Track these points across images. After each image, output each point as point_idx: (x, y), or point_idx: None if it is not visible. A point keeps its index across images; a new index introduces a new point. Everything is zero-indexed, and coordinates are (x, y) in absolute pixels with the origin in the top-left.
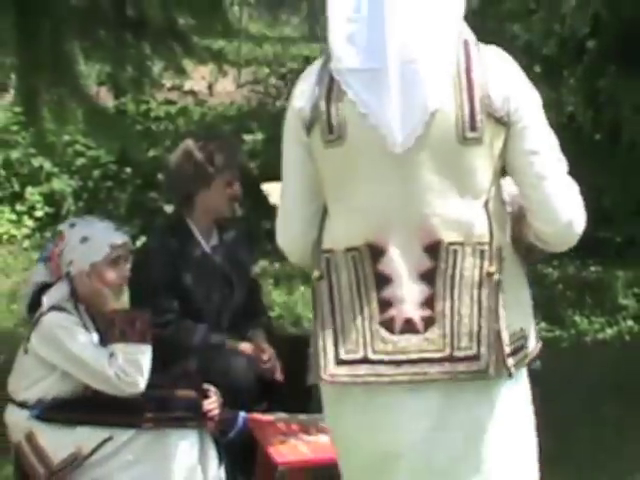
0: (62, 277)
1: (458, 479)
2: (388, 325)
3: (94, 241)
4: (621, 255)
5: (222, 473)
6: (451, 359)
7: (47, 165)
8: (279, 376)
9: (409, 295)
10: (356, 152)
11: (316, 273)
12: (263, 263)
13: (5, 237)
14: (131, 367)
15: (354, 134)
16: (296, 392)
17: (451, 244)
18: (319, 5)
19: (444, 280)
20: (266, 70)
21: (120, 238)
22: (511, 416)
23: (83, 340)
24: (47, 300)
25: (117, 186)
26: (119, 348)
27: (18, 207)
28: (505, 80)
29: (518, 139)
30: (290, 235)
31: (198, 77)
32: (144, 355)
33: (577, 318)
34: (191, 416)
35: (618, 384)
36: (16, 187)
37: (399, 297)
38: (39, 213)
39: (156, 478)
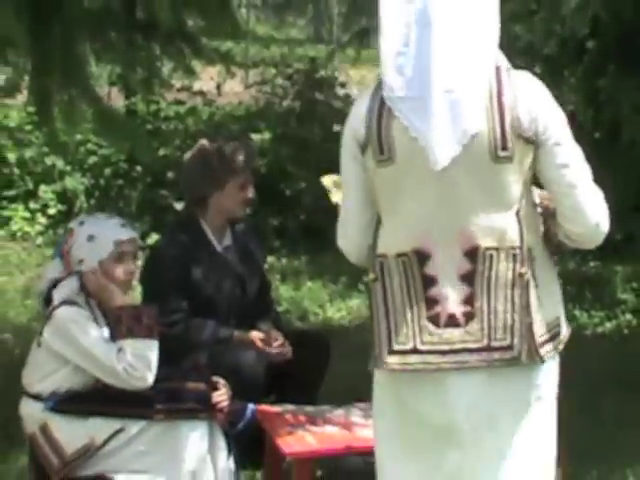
0: (72, 272)
1: (499, 451)
2: (434, 320)
3: (100, 239)
4: (620, 251)
5: (231, 463)
6: (488, 349)
7: (60, 164)
8: (289, 354)
9: (452, 294)
10: (403, 171)
11: (372, 276)
12: (271, 259)
13: (19, 234)
14: (139, 362)
15: (402, 155)
16: (303, 385)
17: (487, 249)
18: (324, 8)
19: (482, 281)
20: (273, 71)
21: (126, 234)
22: (544, 397)
23: (94, 335)
24: (58, 295)
25: (128, 184)
26: (127, 344)
27: (32, 205)
28: (533, 103)
29: (549, 155)
30: (348, 240)
31: (207, 78)
32: (151, 350)
33: (577, 312)
34: (201, 408)
35: (617, 376)
36: (30, 185)
37: (444, 296)
38: (52, 211)
39: (167, 468)
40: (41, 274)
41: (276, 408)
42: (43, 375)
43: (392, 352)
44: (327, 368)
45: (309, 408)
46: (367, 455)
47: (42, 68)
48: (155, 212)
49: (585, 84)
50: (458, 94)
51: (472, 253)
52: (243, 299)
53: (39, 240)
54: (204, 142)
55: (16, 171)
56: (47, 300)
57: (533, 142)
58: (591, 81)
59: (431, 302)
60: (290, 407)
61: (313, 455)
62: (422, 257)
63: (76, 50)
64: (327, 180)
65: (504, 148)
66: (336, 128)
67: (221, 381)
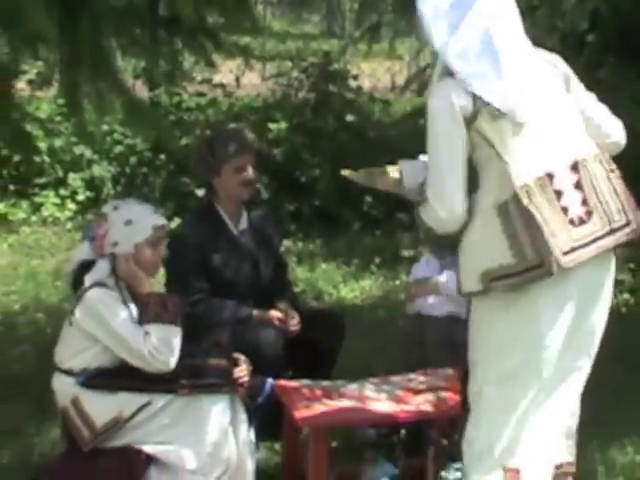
0: (104, 255)
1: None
2: (572, 222)
3: (138, 223)
4: None
5: (252, 435)
6: (611, 232)
7: (88, 153)
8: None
9: (574, 201)
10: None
11: (525, 200)
12: (287, 242)
13: (50, 219)
14: (164, 347)
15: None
16: (319, 361)
17: (583, 160)
18: (337, 4)
19: (588, 184)
20: (289, 64)
21: (161, 220)
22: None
23: (122, 317)
24: (90, 277)
25: (152, 172)
26: (153, 328)
27: (62, 192)
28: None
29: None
30: (455, 205)
31: (226, 71)
32: (175, 336)
33: None
34: (223, 383)
35: (616, 353)
36: (60, 173)
37: (570, 203)
38: (81, 197)
39: (190, 440)
40: (70, 257)
41: (294, 383)
42: (74, 352)
43: (565, 253)
44: (342, 345)
45: (325, 383)
46: (379, 427)
47: (72, 62)
48: (178, 198)
49: (586, 76)
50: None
51: (575, 166)
52: (259, 280)
53: (69, 225)
54: (203, 135)
55: (47, 160)
56: (76, 281)
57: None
58: (591, 73)
59: (564, 210)
60: (307, 382)
61: (329, 427)
62: (551, 178)
63: (104, 44)
64: (389, 169)
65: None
66: (349, 118)
67: (242, 357)
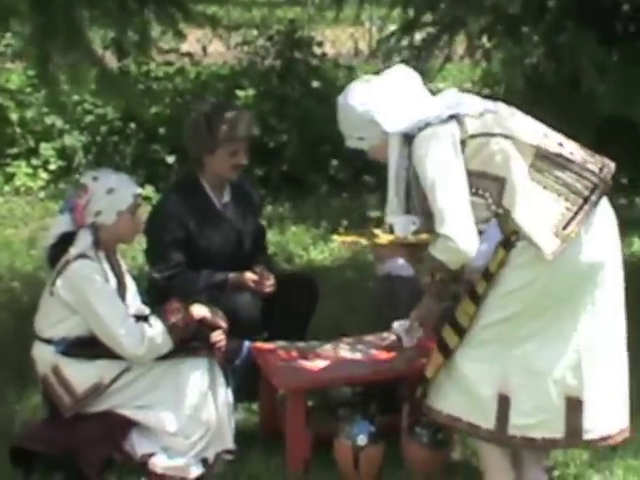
0: (84, 226)
1: None
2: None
3: (119, 192)
4: None
5: (230, 397)
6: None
7: (59, 123)
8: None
9: (570, 148)
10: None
11: (552, 149)
12: None
13: (22, 189)
14: (150, 345)
15: None
16: (293, 322)
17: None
18: None
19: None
20: (254, 32)
21: (138, 188)
22: None
23: (105, 296)
24: (74, 249)
25: (122, 140)
26: (159, 328)
27: (33, 161)
28: None
29: None
30: (474, 232)
31: (192, 40)
32: (164, 349)
33: None
34: (201, 346)
35: None
36: (31, 143)
37: (570, 149)
38: (52, 166)
39: (170, 403)
40: (46, 227)
41: (269, 345)
42: (54, 322)
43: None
44: (316, 307)
45: (300, 344)
46: (354, 386)
47: (45, 34)
48: (148, 166)
49: (546, 40)
50: None
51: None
52: (241, 252)
53: (41, 194)
54: (201, 110)
55: (18, 130)
56: (56, 254)
57: None
58: (552, 38)
59: (571, 153)
60: (282, 343)
61: (305, 387)
62: (547, 135)
63: (76, 16)
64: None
65: None
66: (314, 84)
67: (219, 312)
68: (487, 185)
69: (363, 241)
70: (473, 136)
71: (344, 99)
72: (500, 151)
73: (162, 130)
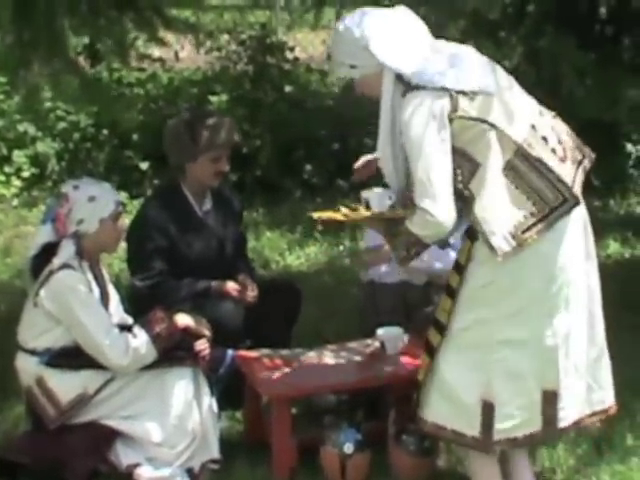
0: (67, 236)
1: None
2: (561, 160)
3: (101, 199)
4: None
5: (214, 406)
6: (578, 165)
7: (31, 130)
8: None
9: (555, 142)
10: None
11: (533, 151)
12: None
13: None
14: (135, 355)
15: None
16: (276, 330)
17: (539, 110)
18: None
19: (553, 127)
20: (226, 37)
21: (119, 195)
22: None
23: (90, 306)
24: (57, 259)
25: (95, 147)
26: (144, 338)
27: (6, 169)
28: None
29: None
30: (452, 206)
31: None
32: (148, 359)
33: None
34: (185, 356)
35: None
36: (4, 151)
37: (554, 145)
38: (26, 174)
39: (155, 413)
40: (21, 235)
41: (253, 353)
42: (38, 332)
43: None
44: (298, 314)
45: (284, 351)
46: (340, 393)
47: (27, 43)
48: (122, 172)
49: (526, 44)
50: None
51: (540, 114)
52: (222, 259)
53: (15, 202)
54: (182, 116)
55: None
56: (39, 265)
57: None
58: (532, 42)
59: (553, 151)
60: (266, 351)
61: (291, 395)
62: (534, 128)
63: (57, 25)
64: (367, 193)
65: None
66: (287, 89)
67: (203, 320)
68: (461, 163)
69: (340, 217)
70: (462, 117)
71: (343, 24)
72: (483, 138)
73: (135, 136)
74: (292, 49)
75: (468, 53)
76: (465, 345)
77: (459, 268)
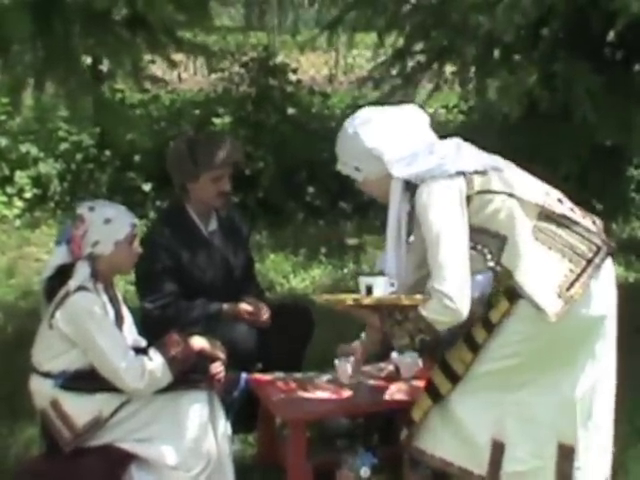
0: (82, 258)
1: None
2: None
3: (117, 221)
4: None
5: (228, 429)
6: None
7: (34, 150)
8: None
9: (568, 204)
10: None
11: (557, 209)
12: None
13: None
14: (150, 379)
15: None
16: (288, 353)
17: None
18: None
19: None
20: (229, 59)
21: (135, 218)
22: None
23: (106, 329)
24: (73, 281)
25: (98, 168)
26: (159, 361)
27: (8, 190)
28: None
29: None
30: (469, 292)
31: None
32: (163, 383)
33: None
34: (200, 379)
35: None
36: (6, 172)
37: (570, 205)
38: (28, 195)
39: (171, 436)
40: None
41: (267, 376)
42: (54, 355)
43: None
44: (311, 337)
45: (297, 375)
46: (355, 417)
47: (45, 64)
48: (124, 193)
49: (540, 68)
50: None
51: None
52: (230, 280)
53: (17, 223)
54: (183, 137)
55: None
56: (53, 287)
57: None
58: (546, 67)
59: (572, 210)
60: (280, 375)
61: (307, 419)
62: (548, 193)
63: (74, 45)
64: (369, 280)
65: None
66: (290, 111)
67: (217, 342)
68: (486, 241)
69: (350, 300)
70: (479, 192)
71: (352, 127)
72: (504, 209)
73: (137, 158)
74: (294, 71)
75: (467, 144)
76: (482, 388)
77: (489, 325)
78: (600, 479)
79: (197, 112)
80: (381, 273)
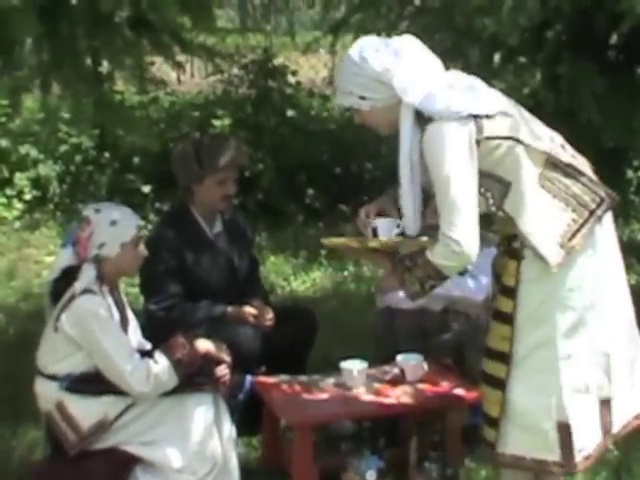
0: (87, 260)
1: None
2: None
3: (122, 223)
4: None
5: (233, 431)
6: None
7: (33, 152)
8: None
9: (571, 150)
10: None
11: (563, 158)
12: None
13: None
14: (156, 382)
15: None
16: (293, 357)
17: None
18: None
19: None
20: (228, 61)
21: (140, 220)
22: None
23: (112, 332)
24: (79, 283)
25: (97, 170)
26: (165, 364)
27: (8, 191)
28: None
29: None
30: (478, 235)
31: (166, 68)
32: (169, 386)
33: None
34: (206, 381)
35: None
36: (5, 173)
37: (573, 153)
38: (27, 196)
39: (176, 439)
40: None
41: (272, 379)
42: (59, 358)
43: None
44: (315, 340)
45: (302, 378)
46: (361, 420)
47: (51, 66)
48: (124, 195)
49: (544, 71)
50: None
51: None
52: (234, 283)
53: (17, 224)
54: (188, 139)
55: None
56: (58, 289)
57: None
58: (551, 68)
59: (574, 157)
60: (285, 377)
61: (313, 422)
62: (552, 138)
63: (80, 47)
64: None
65: None
66: (289, 113)
67: (223, 345)
68: (490, 185)
69: (354, 243)
70: (488, 138)
71: (358, 52)
72: (511, 155)
73: (137, 160)
74: (294, 73)
75: (480, 82)
76: (530, 371)
77: (509, 292)
78: (629, 414)
79: (196, 114)
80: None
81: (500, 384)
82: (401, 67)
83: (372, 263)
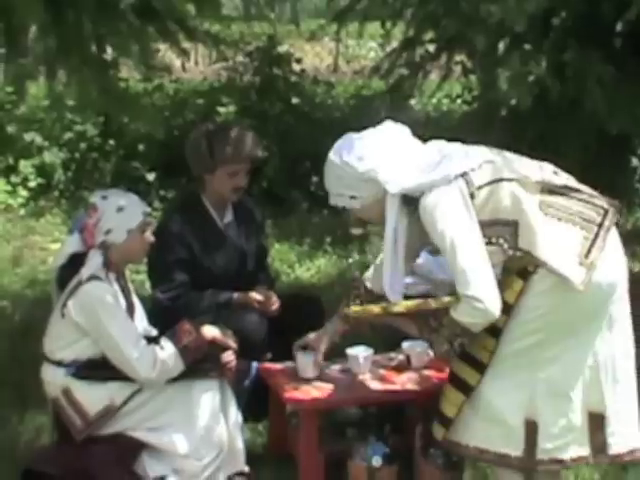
0: (94, 246)
1: None
2: None
3: (129, 210)
4: None
5: (239, 417)
6: None
7: (38, 139)
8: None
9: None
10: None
11: (557, 181)
12: None
13: (2, 206)
14: (162, 368)
15: None
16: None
17: None
18: None
19: None
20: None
21: (147, 207)
22: None
23: (119, 319)
24: (85, 270)
25: (102, 157)
26: (171, 351)
27: (13, 179)
28: None
29: None
30: (497, 291)
31: (171, 55)
32: (175, 372)
33: None
34: (212, 367)
35: None
36: (10, 160)
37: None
38: (32, 184)
39: (182, 425)
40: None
41: (278, 365)
42: (65, 344)
43: None
44: (321, 326)
45: None
46: (367, 406)
47: (58, 53)
48: (129, 182)
49: (550, 58)
50: None
51: None
52: (244, 272)
53: (22, 212)
54: (201, 128)
55: None
56: (65, 275)
57: None
58: (557, 56)
59: (568, 179)
60: (291, 364)
61: (319, 408)
62: (542, 168)
63: (86, 34)
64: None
65: None
66: (294, 101)
67: (229, 331)
68: (499, 231)
69: (377, 310)
70: (480, 187)
71: (338, 156)
72: (508, 195)
73: (142, 147)
74: (299, 60)
75: (458, 144)
76: (510, 369)
77: (506, 307)
78: (635, 441)
79: (201, 101)
80: None
81: (467, 389)
82: (382, 161)
83: (398, 327)
